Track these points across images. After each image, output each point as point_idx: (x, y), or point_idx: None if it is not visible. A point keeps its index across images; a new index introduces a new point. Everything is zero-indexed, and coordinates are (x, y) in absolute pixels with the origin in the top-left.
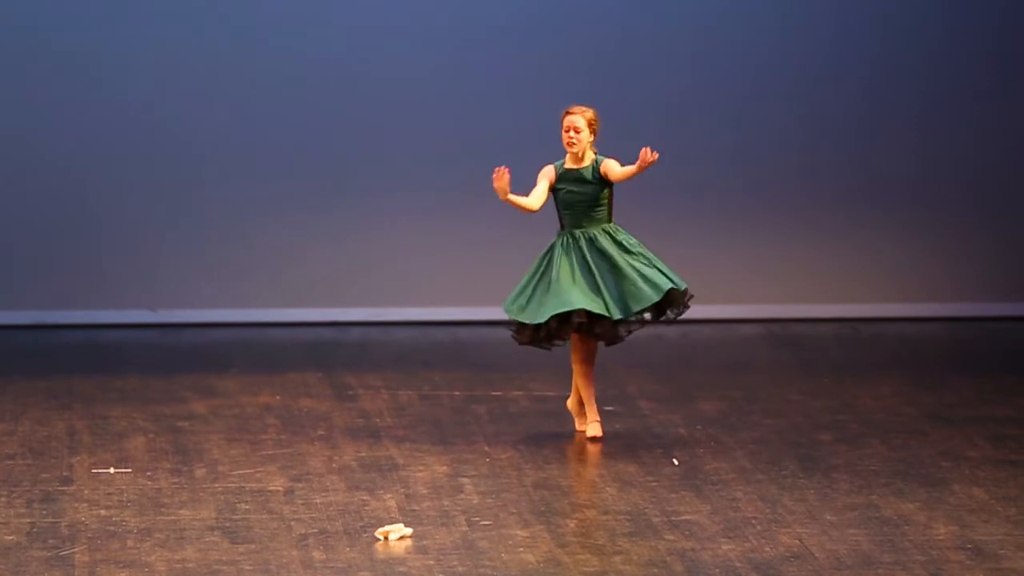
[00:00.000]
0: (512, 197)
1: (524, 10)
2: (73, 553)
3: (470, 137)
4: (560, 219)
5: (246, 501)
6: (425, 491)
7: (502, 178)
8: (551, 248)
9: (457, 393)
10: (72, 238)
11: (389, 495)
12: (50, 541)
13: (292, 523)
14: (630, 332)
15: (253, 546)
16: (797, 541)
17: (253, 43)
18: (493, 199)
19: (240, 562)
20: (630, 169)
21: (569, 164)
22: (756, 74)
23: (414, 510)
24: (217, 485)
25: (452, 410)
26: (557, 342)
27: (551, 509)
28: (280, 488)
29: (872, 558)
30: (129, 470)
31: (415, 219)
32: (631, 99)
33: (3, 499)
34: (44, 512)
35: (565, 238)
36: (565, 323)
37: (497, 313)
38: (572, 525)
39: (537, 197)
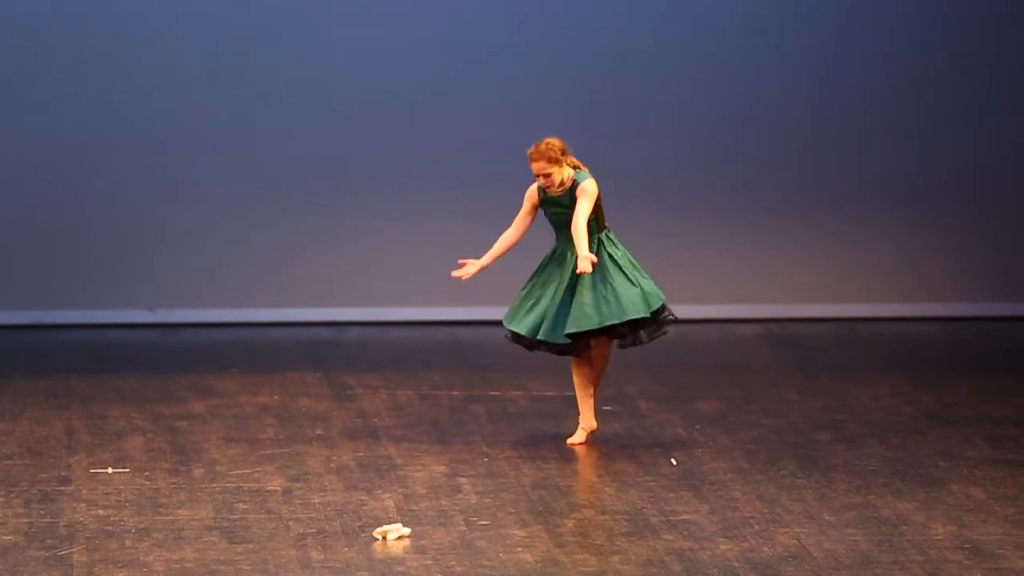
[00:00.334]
0: (485, 261)
1: (524, 9)
2: (71, 553)
3: (470, 137)
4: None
5: (244, 501)
6: (423, 491)
7: (465, 270)
8: (547, 259)
9: (456, 393)
10: (71, 238)
11: (387, 495)
12: (48, 541)
13: (290, 523)
14: (626, 337)
15: (251, 546)
16: (795, 541)
17: (252, 43)
18: (493, 199)
19: (238, 562)
20: (580, 234)
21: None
22: (755, 74)
23: (412, 510)
24: (215, 485)
25: (451, 410)
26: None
27: (549, 509)
28: (278, 488)
29: (870, 558)
30: (127, 470)
31: (414, 219)
32: (630, 99)
33: (1, 499)
34: (42, 512)
35: (557, 249)
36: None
37: (496, 313)
38: (570, 525)
39: (513, 229)
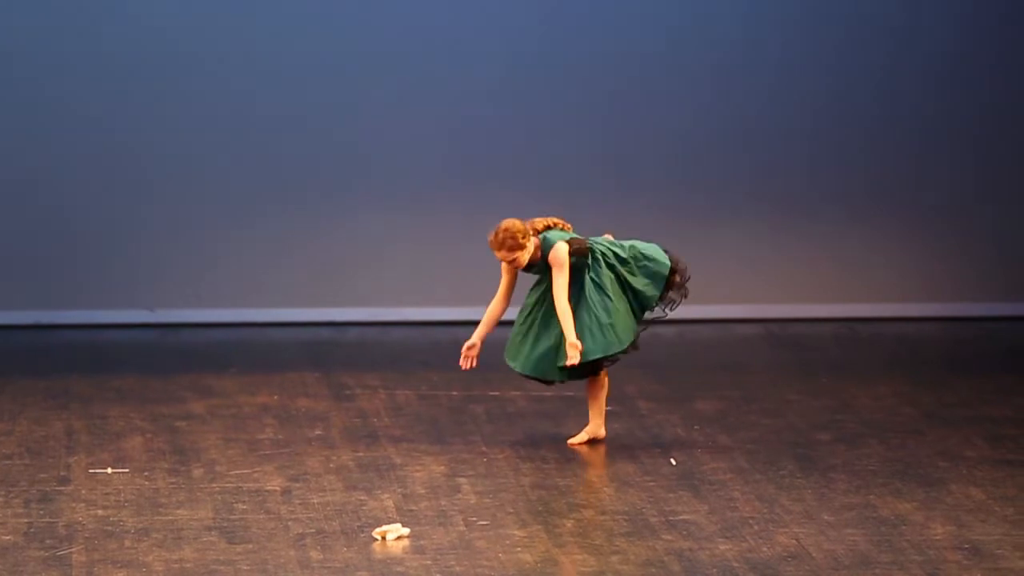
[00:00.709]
0: (479, 337)
1: (525, 8)
2: (70, 553)
3: (469, 136)
4: None
5: (243, 501)
6: (423, 491)
7: (470, 359)
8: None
9: (455, 393)
10: (70, 238)
11: (387, 495)
12: (47, 541)
13: (289, 523)
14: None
15: (250, 546)
16: (794, 541)
17: (251, 42)
18: (492, 199)
19: (237, 562)
20: (565, 319)
21: None
22: (755, 75)
23: (411, 510)
24: (215, 485)
25: (450, 410)
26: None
27: (549, 509)
28: (277, 488)
29: (869, 558)
30: (127, 470)
31: (414, 219)
32: (630, 99)
33: (1, 499)
34: (41, 512)
35: (544, 280)
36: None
37: None
38: (570, 525)
39: (498, 300)
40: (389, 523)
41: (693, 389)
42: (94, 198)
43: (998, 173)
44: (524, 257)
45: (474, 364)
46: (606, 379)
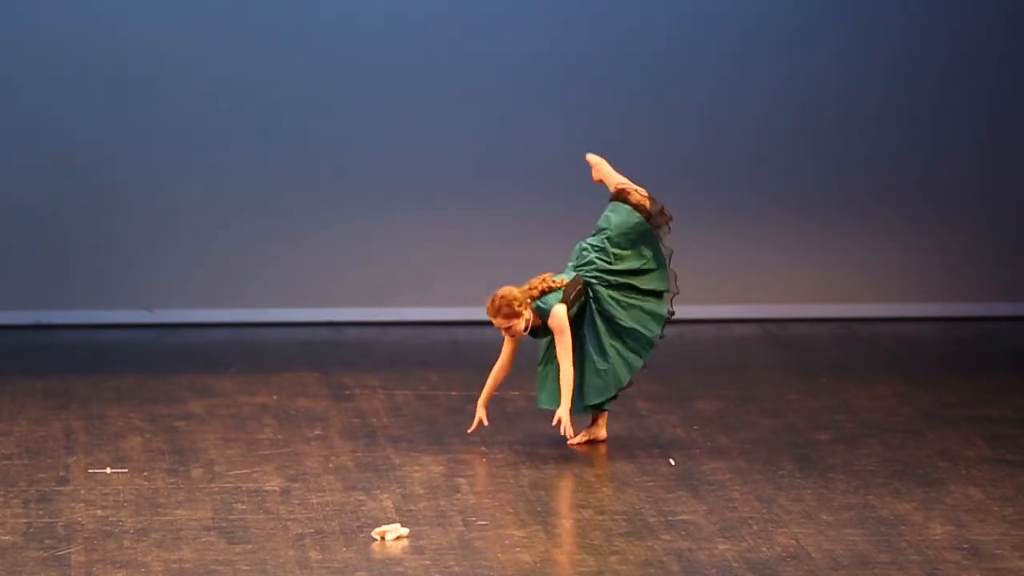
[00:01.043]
0: (483, 403)
1: (527, 8)
2: (69, 553)
3: (469, 137)
4: None
5: (243, 501)
6: (422, 491)
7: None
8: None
9: (454, 393)
10: (68, 238)
11: (386, 495)
12: (46, 541)
13: (289, 523)
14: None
15: (250, 546)
16: (794, 541)
17: (250, 41)
18: (491, 199)
19: (237, 562)
20: (566, 388)
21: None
22: (754, 75)
23: (411, 510)
24: (214, 485)
25: (449, 410)
26: None
27: (548, 509)
28: (277, 488)
29: (869, 558)
30: (126, 470)
31: (413, 219)
32: (630, 98)
33: (0, 499)
34: (40, 512)
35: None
36: None
37: None
38: (569, 525)
39: (501, 365)
40: (388, 523)
41: (692, 389)
42: (93, 198)
43: (998, 173)
44: (520, 325)
45: (484, 424)
46: None
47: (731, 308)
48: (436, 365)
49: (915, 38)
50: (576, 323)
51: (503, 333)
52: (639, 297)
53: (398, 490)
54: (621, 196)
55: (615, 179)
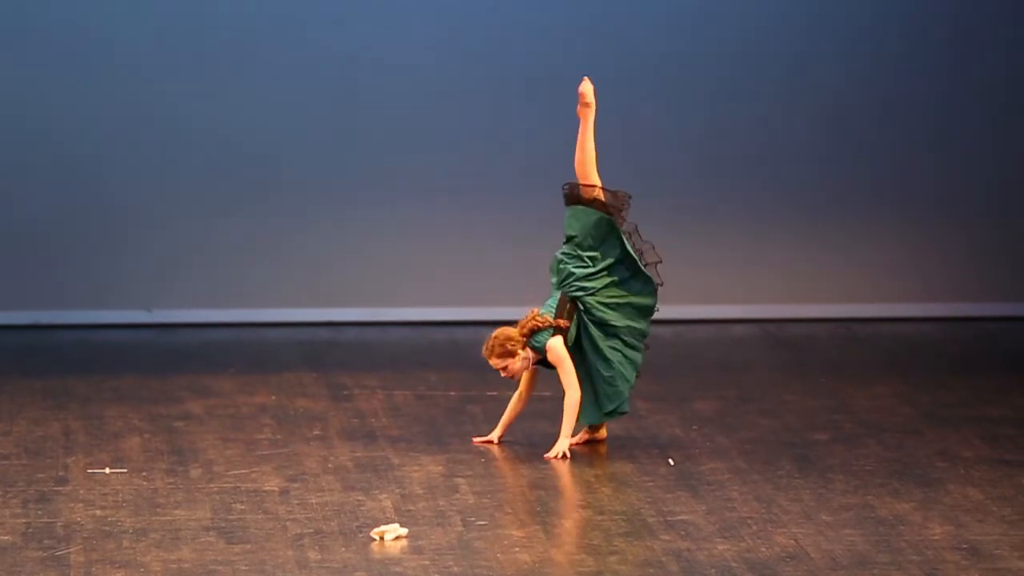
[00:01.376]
0: (497, 437)
1: (529, 8)
2: (69, 553)
3: (468, 137)
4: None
5: (242, 501)
6: (421, 491)
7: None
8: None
9: (453, 393)
10: (67, 238)
11: (385, 495)
12: (46, 541)
13: (288, 523)
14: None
15: (249, 546)
16: (793, 541)
17: (251, 42)
18: (491, 200)
19: (236, 562)
20: (568, 418)
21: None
22: (752, 74)
23: (410, 510)
24: (213, 485)
25: (448, 410)
26: None
27: (547, 509)
28: (276, 488)
29: (868, 558)
30: (125, 470)
31: (412, 219)
32: (629, 98)
33: None
34: (40, 512)
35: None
36: None
37: (494, 313)
38: (568, 525)
39: (518, 398)
40: (387, 523)
41: (691, 389)
42: (92, 198)
43: (998, 173)
44: (516, 365)
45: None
46: None
47: (730, 308)
48: (435, 365)
49: (915, 38)
50: (575, 340)
51: (501, 374)
52: (624, 294)
53: (397, 490)
54: (574, 197)
55: (579, 153)
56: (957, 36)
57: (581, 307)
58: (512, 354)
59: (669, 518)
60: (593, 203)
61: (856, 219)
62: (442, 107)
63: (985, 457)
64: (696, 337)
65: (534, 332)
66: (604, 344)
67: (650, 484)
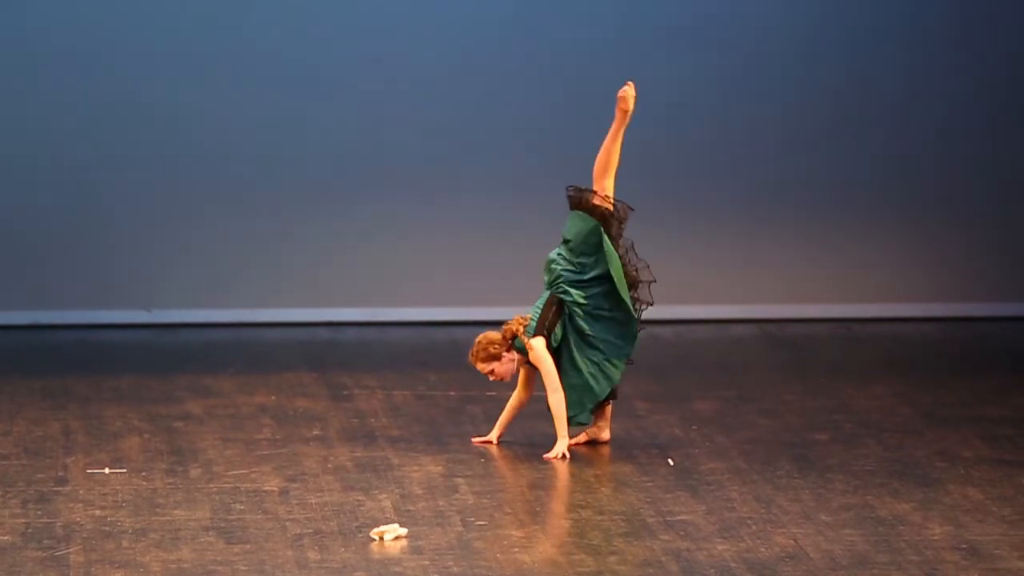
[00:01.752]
0: (496, 436)
1: (529, 9)
2: (68, 553)
3: (467, 138)
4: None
5: (241, 501)
6: (420, 491)
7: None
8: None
9: (452, 393)
10: (67, 238)
11: (384, 495)
12: (45, 541)
13: (287, 523)
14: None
15: (248, 546)
16: (792, 541)
17: (252, 43)
18: (490, 200)
19: (235, 562)
20: (560, 418)
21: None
22: (753, 74)
23: (409, 510)
24: (212, 485)
25: (447, 410)
26: None
27: (546, 509)
28: (275, 488)
29: (867, 558)
30: (124, 470)
31: (412, 219)
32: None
33: None
34: (39, 512)
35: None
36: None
37: (493, 313)
38: (567, 525)
39: (516, 395)
40: (387, 523)
41: (690, 389)
42: (91, 198)
43: (998, 173)
44: (502, 368)
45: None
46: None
47: (729, 308)
48: (435, 365)
49: (914, 38)
50: (561, 341)
51: (490, 378)
52: (609, 308)
53: (397, 490)
54: (577, 201)
55: (602, 155)
56: (957, 36)
57: (565, 312)
58: (496, 357)
59: (669, 518)
60: (593, 210)
61: (856, 219)
62: (442, 107)
63: (985, 457)
64: (696, 337)
65: (516, 336)
66: (577, 352)
67: (650, 484)
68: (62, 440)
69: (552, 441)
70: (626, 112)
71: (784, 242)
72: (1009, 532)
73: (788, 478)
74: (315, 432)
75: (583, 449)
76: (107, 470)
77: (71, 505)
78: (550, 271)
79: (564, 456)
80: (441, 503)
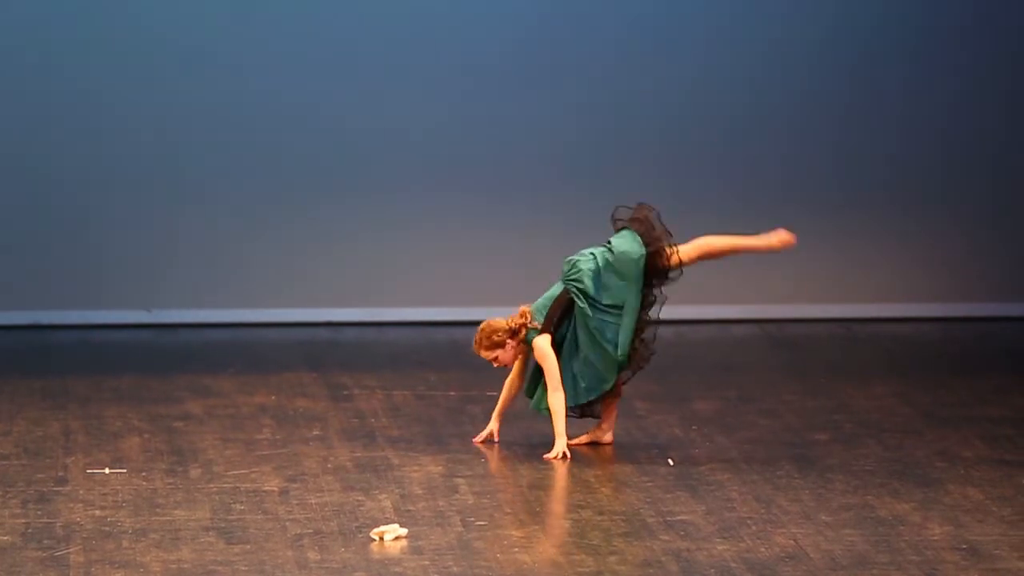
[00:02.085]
0: (499, 413)
1: (530, 8)
2: (68, 554)
3: (467, 138)
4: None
5: (241, 501)
6: (420, 491)
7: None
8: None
9: (452, 393)
10: (67, 238)
11: (384, 495)
12: (45, 541)
13: (287, 523)
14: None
15: (248, 546)
16: (792, 541)
17: (249, 43)
18: (491, 200)
19: (235, 562)
20: (558, 418)
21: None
22: (752, 74)
23: (409, 510)
24: (212, 485)
25: (447, 410)
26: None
27: (546, 510)
28: (275, 488)
29: (867, 558)
30: (124, 470)
31: (412, 219)
32: (627, 98)
33: None
34: (39, 512)
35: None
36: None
37: (493, 313)
38: (567, 525)
39: (514, 374)
40: (387, 523)
41: (690, 389)
42: (91, 198)
43: (998, 173)
44: (505, 356)
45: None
46: (621, 388)
47: (729, 308)
48: (435, 365)
49: (915, 39)
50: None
51: (493, 364)
52: (610, 341)
53: (397, 490)
54: (644, 225)
55: (721, 243)
56: (957, 37)
57: (576, 308)
58: (500, 345)
59: (668, 518)
60: (651, 243)
61: (856, 219)
62: (442, 107)
63: (985, 457)
64: (696, 337)
65: (518, 331)
66: (566, 355)
67: (649, 484)
68: (62, 440)
69: (549, 440)
70: (769, 248)
71: None
72: (1009, 532)
73: (788, 478)
74: (315, 432)
75: (583, 449)
76: (107, 470)
77: (71, 505)
78: (570, 263)
79: (564, 455)
80: (441, 503)
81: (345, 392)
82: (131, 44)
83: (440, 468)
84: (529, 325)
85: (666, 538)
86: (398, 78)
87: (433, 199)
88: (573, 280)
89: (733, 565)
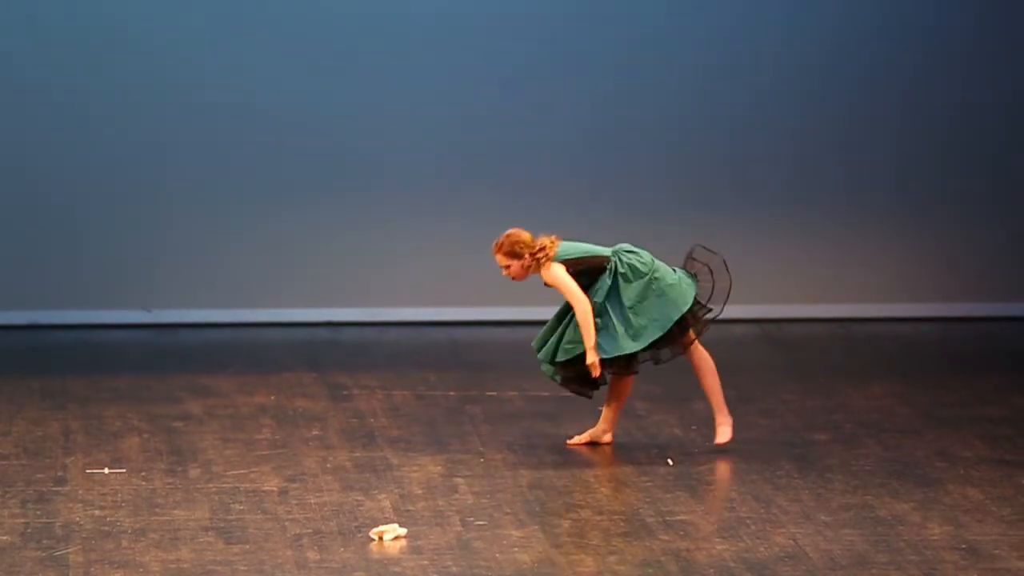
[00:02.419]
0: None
1: (531, 8)
2: (67, 553)
3: (467, 138)
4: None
5: (240, 501)
6: (420, 491)
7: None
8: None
9: (452, 393)
10: (67, 238)
11: (384, 495)
12: (44, 541)
13: (287, 523)
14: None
15: (248, 546)
16: (791, 541)
17: (248, 42)
18: (490, 200)
19: (235, 562)
20: (587, 330)
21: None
22: (751, 73)
23: (409, 510)
24: (211, 485)
25: (447, 410)
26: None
27: (546, 509)
28: (275, 488)
29: (867, 558)
30: (123, 470)
31: (411, 219)
32: (628, 99)
33: None
34: (38, 512)
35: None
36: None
37: (493, 313)
38: (567, 525)
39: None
40: (386, 523)
41: (690, 389)
42: (91, 198)
43: (998, 173)
44: (517, 268)
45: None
46: (628, 387)
47: (728, 308)
48: (434, 365)
49: (916, 41)
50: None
51: (503, 272)
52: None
53: (396, 490)
54: (710, 273)
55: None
56: (957, 38)
57: (614, 269)
58: (518, 256)
59: (668, 518)
60: (685, 327)
61: (856, 219)
62: (442, 107)
63: (985, 457)
64: None
65: (540, 251)
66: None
67: (649, 484)
68: (61, 440)
69: (549, 440)
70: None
71: (784, 242)
72: (1008, 532)
73: (788, 478)
74: (315, 432)
75: (583, 449)
76: (106, 470)
77: (70, 505)
78: (639, 252)
79: (594, 366)
80: (440, 503)
81: (345, 392)
82: (131, 44)
83: (439, 468)
84: (550, 252)
85: (665, 538)
86: (398, 78)
87: (433, 199)
88: (627, 256)
89: (732, 565)
